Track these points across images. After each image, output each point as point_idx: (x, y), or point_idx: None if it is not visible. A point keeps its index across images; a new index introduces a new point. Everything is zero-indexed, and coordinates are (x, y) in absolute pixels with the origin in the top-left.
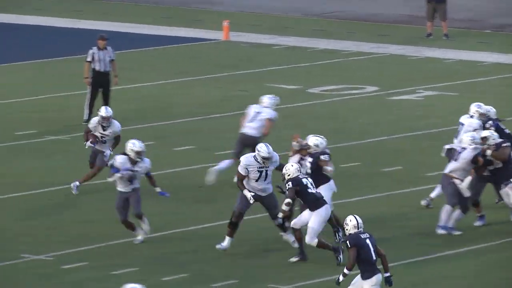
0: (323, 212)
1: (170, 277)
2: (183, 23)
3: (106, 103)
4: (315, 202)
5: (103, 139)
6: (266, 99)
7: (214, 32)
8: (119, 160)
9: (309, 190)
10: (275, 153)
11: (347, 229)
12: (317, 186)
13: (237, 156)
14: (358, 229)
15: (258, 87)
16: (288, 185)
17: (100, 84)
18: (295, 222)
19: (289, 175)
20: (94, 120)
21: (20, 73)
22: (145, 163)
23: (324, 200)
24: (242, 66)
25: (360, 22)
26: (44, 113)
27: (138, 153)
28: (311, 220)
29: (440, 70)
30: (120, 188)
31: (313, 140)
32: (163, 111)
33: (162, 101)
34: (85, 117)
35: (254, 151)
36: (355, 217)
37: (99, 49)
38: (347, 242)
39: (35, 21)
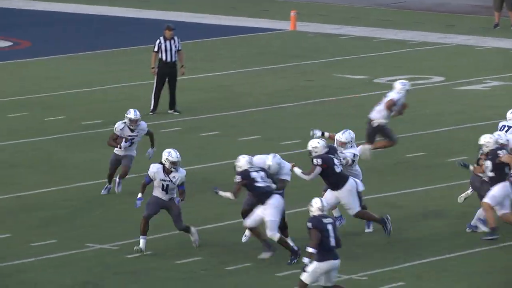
0: (275, 202)
1: (234, 266)
2: (250, 14)
3: (172, 93)
4: (264, 195)
5: (132, 140)
6: (398, 84)
7: (281, 22)
8: (152, 169)
9: (257, 184)
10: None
11: (311, 211)
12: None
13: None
14: (322, 212)
15: (324, 77)
16: (235, 179)
17: (167, 75)
18: (250, 223)
19: (239, 168)
20: (119, 124)
21: (87, 63)
22: (181, 173)
23: (274, 191)
24: (309, 56)
25: (427, 13)
26: (111, 103)
27: (173, 163)
28: (267, 214)
29: (507, 60)
30: (156, 194)
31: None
32: (229, 101)
33: (228, 91)
34: (152, 107)
35: (382, 135)
36: (320, 199)
37: (165, 39)
38: (309, 223)
39: (103, 11)
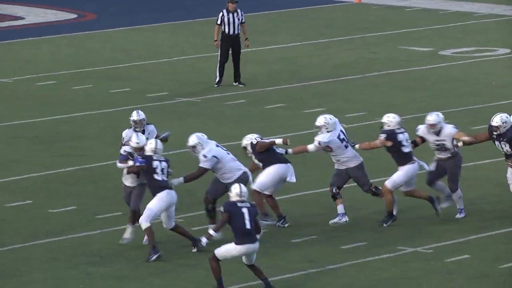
0: (163, 196)
1: (299, 239)
2: None
3: (236, 66)
4: (158, 188)
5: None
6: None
7: None
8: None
9: (155, 176)
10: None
11: (230, 196)
12: None
13: None
14: (240, 197)
15: (390, 49)
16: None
17: (230, 47)
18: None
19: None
20: (125, 132)
21: (153, 35)
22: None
23: (168, 187)
24: (374, 28)
25: None
26: (176, 75)
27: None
28: (151, 202)
29: None
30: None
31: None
32: (294, 73)
33: (293, 63)
34: (217, 79)
35: None
36: (239, 185)
37: (228, 12)
38: (222, 207)
39: None
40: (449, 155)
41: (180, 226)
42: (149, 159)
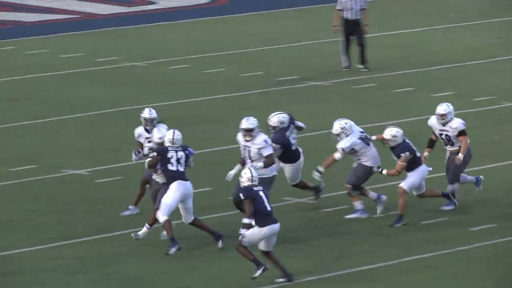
0: (175, 186)
1: (430, 220)
2: None
3: (360, 50)
4: (171, 178)
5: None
6: None
7: None
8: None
9: (169, 166)
10: None
11: (242, 182)
12: None
13: None
14: (252, 182)
15: None
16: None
17: (350, 32)
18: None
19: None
20: (137, 130)
21: (282, 20)
22: None
23: (182, 177)
24: (499, 14)
25: None
26: (305, 59)
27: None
28: (165, 195)
29: None
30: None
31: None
32: (421, 57)
33: (420, 48)
34: (344, 64)
35: None
36: (250, 170)
37: None
38: (241, 194)
39: None
40: (457, 148)
41: (199, 220)
42: (164, 150)
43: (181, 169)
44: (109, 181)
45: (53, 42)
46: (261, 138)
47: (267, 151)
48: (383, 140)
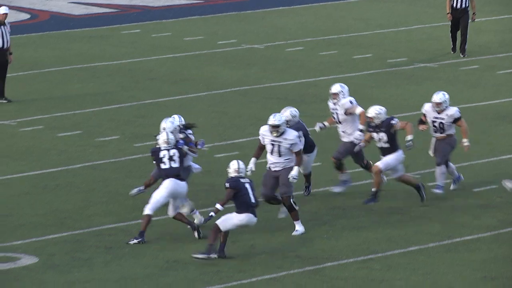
0: (166, 184)
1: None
2: None
3: (463, 37)
4: (164, 176)
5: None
6: None
7: None
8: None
9: (162, 166)
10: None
11: (229, 172)
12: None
13: None
14: (238, 173)
15: None
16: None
17: (457, 19)
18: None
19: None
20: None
21: (392, 5)
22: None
23: (176, 175)
24: None
25: None
26: (414, 42)
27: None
28: (156, 191)
29: None
30: None
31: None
32: None
33: None
34: (451, 47)
35: None
36: (237, 161)
37: None
38: (226, 183)
39: None
40: (445, 135)
41: (179, 213)
42: (157, 151)
43: (175, 165)
44: (227, 156)
45: (177, 25)
46: (293, 133)
47: (298, 147)
48: (368, 119)
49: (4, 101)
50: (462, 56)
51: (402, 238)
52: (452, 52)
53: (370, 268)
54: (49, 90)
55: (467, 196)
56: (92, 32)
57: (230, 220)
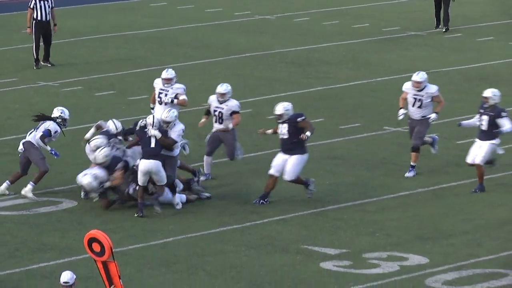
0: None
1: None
2: None
3: (445, 14)
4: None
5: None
6: None
7: None
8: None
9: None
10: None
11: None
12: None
13: None
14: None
15: None
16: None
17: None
18: None
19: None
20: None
21: None
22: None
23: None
24: None
25: None
26: (405, 13)
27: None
28: None
29: None
30: None
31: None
32: None
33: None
34: (435, 24)
35: None
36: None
37: None
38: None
39: None
40: (421, 116)
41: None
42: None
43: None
44: (242, 113)
45: None
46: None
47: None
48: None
49: (49, 65)
50: (444, 31)
51: (394, 185)
52: (435, 29)
53: (365, 211)
54: (87, 56)
55: (450, 148)
56: (125, 5)
57: None
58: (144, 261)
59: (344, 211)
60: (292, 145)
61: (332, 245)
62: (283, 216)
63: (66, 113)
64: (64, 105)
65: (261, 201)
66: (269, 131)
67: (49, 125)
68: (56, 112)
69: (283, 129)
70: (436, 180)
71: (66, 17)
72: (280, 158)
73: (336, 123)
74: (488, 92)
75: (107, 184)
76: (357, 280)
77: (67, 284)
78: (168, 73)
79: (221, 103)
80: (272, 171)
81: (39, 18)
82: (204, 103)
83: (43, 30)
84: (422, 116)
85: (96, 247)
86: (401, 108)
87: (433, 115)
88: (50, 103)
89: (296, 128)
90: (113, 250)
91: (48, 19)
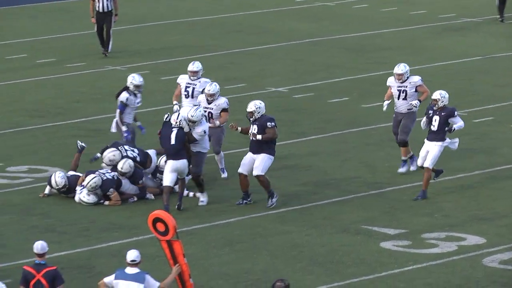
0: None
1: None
2: None
3: (502, 5)
4: None
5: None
6: None
7: None
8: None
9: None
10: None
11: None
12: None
13: None
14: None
15: None
16: None
17: None
18: None
19: None
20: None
21: None
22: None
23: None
24: None
25: None
26: (461, 1)
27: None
28: None
29: None
30: None
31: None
32: None
33: None
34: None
35: None
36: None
37: None
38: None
39: None
40: (408, 109)
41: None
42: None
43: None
44: (303, 97)
45: None
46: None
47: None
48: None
49: (105, 53)
50: (501, 20)
51: (451, 167)
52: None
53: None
54: (153, 41)
55: (507, 131)
56: None
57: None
58: (208, 241)
59: (403, 192)
60: (261, 145)
61: (391, 226)
62: (343, 197)
63: (136, 79)
64: None
65: (245, 201)
66: (239, 128)
67: (121, 97)
68: (128, 81)
69: (253, 130)
70: (493, 161)
71: (133, 4)
72: (248, 158)
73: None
74: (436, 94)
75: (106, 203)
76: (416, 259)
77: (134, 262)
78: (194, 65)
79: (209, 103)
80: (240, 170)
81: (98, 9)
82: (267, 87)
83: (102, 21)
84: (408, 109)
85: (160, 226)
86: (385, 101)
87: (415, 102)
88: (117, 87)
89: (264, 130)
90: (178, 230)
91: (108, 9)
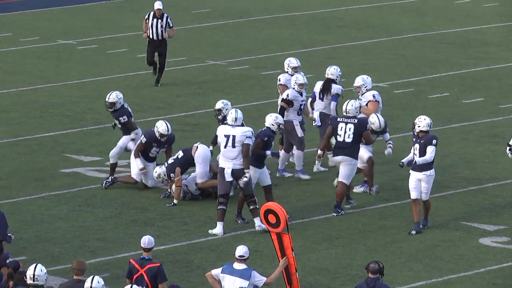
0: None
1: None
2: None
3: None
4: None
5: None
6: None
7: None
8: None
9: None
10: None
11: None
12: None
13: None
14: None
15: None
16: None
17: None
18: None
19: None
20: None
21: None
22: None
23: None
24: None
25: None
26: None
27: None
28: None
29: None
30: None
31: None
32: None
33: None
34: None
35: None
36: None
37: None
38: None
39: None
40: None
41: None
42: None
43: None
44: (403, 92)
45: None
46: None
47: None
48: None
49: (157, 85)
50: None
51: None
52: None
53: None
54: (254, 35)
55: None
56: None
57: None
58: (306, 236)
59: (504, 188)
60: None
61: (490, 222)
62: (443, 193)
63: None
64: (230, 83)
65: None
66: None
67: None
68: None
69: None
70: None
71: None
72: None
73: (496, 103)
74: (421, 119)
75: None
76: None
77: (242, 258)
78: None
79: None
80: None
81: (150, 36)
82: None
83: (155, 48)
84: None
85: (271, 218)
86: None
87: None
88: (219, 80)
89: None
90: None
91: (160, 38)
